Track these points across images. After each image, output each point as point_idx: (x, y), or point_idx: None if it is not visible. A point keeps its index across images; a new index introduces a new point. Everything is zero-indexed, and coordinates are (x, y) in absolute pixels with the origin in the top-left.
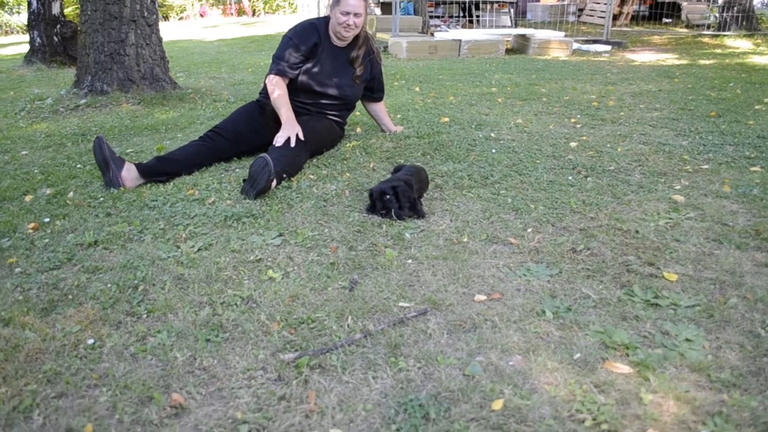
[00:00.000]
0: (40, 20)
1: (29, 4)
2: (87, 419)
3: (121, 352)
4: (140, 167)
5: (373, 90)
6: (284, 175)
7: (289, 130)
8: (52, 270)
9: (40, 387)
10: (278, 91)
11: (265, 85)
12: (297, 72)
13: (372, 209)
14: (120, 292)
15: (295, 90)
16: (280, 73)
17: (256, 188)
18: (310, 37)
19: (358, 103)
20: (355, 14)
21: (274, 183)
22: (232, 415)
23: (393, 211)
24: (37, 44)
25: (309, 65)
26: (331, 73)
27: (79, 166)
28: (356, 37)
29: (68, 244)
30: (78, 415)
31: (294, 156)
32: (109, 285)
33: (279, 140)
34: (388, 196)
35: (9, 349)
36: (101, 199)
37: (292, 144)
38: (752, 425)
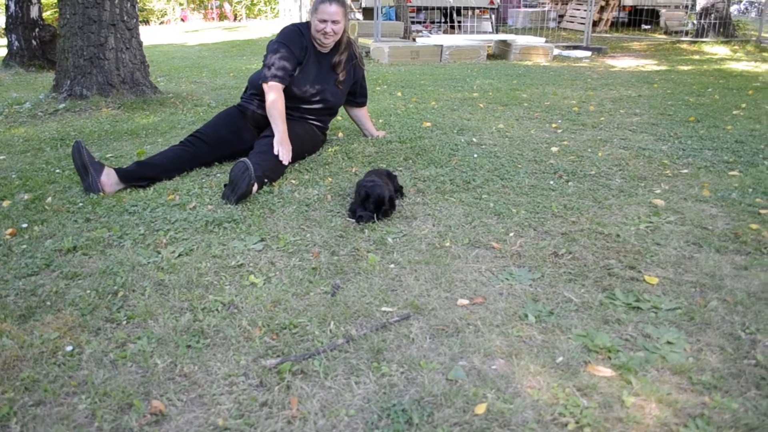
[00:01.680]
0: (18, 24)
1: (7, 8)
2: (66, 427)
3: (100, 359)
4: (120, 172)
5: (356, 95)
6: (265, 180)
7: (280, 144)
8: (30, 276)
9: (17, 395)
10: (278, 101)
11: (246, 88)
12: (291, 78)
13: (361, 210)
14: (99, 299)
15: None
16: (281, 80)
17: (236, 193)
18: (299, 41)
19: (341, 108)
20: (333, 21)
21: (255, 187)
22: (214, 421)
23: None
24: (15, 48)
25: (298, 72)
26: (314, 79)
27: (57, 171)
28: (338, 43)
29: (46, 250)
30: (56, 423)
31: (275, 161)
32: (88, 291)
33: (282, 156)
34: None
35: None
36: (80, 204)
37: (286, 162)
38: (733, 427)
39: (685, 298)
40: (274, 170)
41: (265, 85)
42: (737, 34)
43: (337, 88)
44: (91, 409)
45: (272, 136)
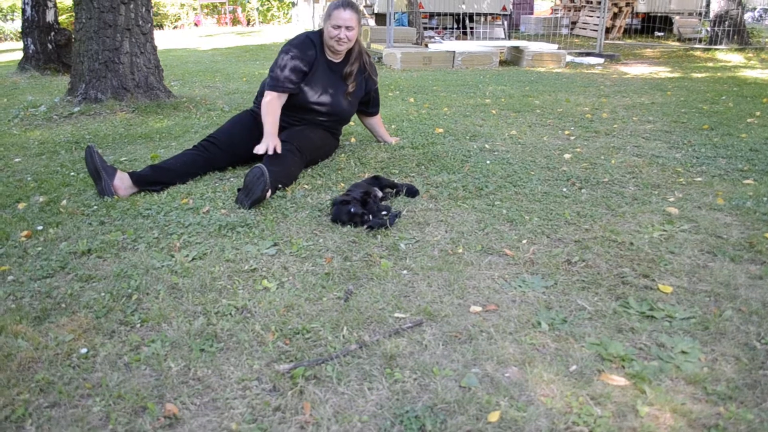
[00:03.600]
0: (34, 27)
1: (23, 12)
2: (80, 429)
3: (114, 361)
4: (134, 176)
5: (369, 105)
6: (279, 185)
7: (268, 141)
8: (45, 278)
9: (32, 396)
10: (271, 108)
11: (259, 94)
12: (296, 86)
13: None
14: (113, 301)
15: (290, 104)
16: (279, 89)
17: (251, 198)
18: (309, 52)
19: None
20: (347, 27)
21: (269, 193)
22: (227, 425)
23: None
24: (30, 51)
25: (307, 82)
26: (325, 89)
27: (72, 173)
28: (350, 52)
29: (61, 253)
30: (71, 425)
31: (289, 166)
32: (102, 294)
33: (259, 149)
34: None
35: (1, 357)
36: (95, 207)
37: (270, 151)
38: None
39: (700, 308)
40: (288, 176)
41: (266, 92)
42: (751, 42)
43: (346, 99)
44: (106, 412)
45: (286, 141)
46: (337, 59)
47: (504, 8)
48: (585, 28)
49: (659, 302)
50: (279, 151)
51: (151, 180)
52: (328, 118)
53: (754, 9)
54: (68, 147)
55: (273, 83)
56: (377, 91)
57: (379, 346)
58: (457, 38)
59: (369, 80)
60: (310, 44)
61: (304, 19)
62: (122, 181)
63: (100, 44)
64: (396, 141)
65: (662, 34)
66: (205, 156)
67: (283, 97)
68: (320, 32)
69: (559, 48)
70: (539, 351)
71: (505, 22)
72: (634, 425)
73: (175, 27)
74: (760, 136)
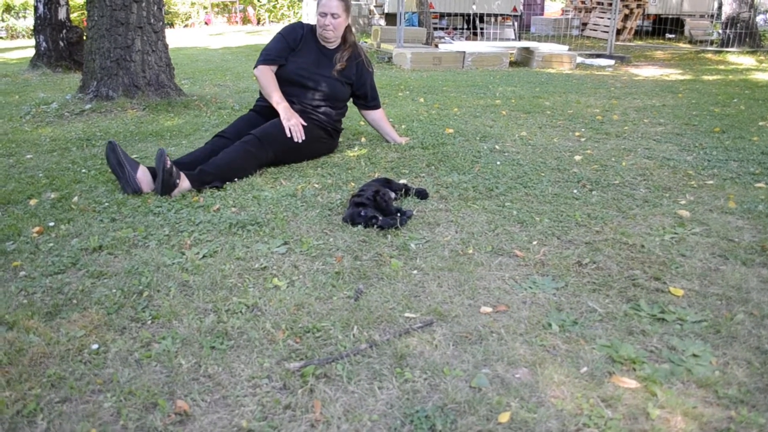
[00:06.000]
0: (47, 25)
1: (36, 9)
2: (91, 425)
3: (125, 357)
4: (151, 171)
5: (367, 98)
6: (217, 184)
7: (287, 121)
8: (57, 274)
9: (44, 391)
10: (267, 80)
11: (261, 94)
12: (282, 58)
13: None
14: (124, 298)
15: (279, 80)
16: (266, 62)
17: (158, 182)
18: (295, 31)
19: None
20: (332, 14)
21: (187, 184)
22: (237, 423)
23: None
24: (42, 49)
25: (294, 56)
26: (313, 64)
27: (84, 170)
28: (343, 40)
29: (73, 249)
30: (82, 421)
31: (234, 158)
32: (113, 290)
33: (292, 134)
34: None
35: (13, 352)
36: (106, 204)
37: (297, 138)
38: None
39: (711, 311)
40: (231, 169)
41: (255, 71)
42: (763, 45)
43: (333, 75)
44: (117, 408)
45: (252, 134)
46: (330, 46)
47: (514, 9)
48: (596, 30)
49: (670, 305)
50: (304, 123)
51: None
52: (318, 95)
53: (766, 12)
54: (80, 144)
55: (260, 59)
56: (373, 80)
57: (389, 345)
58: (468, 39)
59: (363, 68)
60: (297, 28)
61: (315, 18)
62: (145, 175)
63: (111, 42)
64: (406, 141)
65: (673, 36)
66: (218, 152)
67: (272, 69)
68: (314, 25)
69: (569, 49)
70: (550, 352)
71: (516, 23)
72: (645, 428)
73: (185, 25)
74: None
